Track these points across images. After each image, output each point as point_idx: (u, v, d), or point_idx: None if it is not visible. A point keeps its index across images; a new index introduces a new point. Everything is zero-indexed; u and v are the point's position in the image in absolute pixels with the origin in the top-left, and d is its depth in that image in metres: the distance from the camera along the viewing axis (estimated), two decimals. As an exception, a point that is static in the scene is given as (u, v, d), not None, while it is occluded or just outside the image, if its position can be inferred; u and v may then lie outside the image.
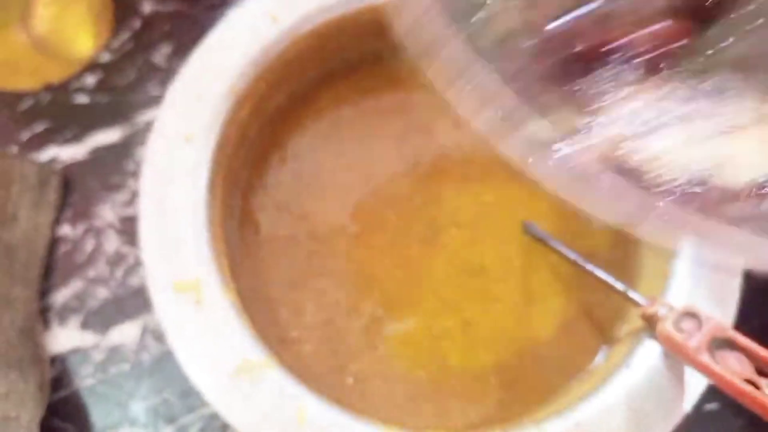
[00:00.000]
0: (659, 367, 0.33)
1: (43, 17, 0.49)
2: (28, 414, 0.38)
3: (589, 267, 0.38)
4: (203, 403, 0.41)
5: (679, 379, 0.33)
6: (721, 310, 0.35)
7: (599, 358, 0.38)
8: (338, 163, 0.42)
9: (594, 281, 0.37)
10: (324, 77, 0.43)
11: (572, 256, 0.39)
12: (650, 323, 0.34)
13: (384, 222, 0.41)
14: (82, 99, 0.50)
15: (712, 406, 0.42)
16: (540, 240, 0.40)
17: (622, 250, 0.40)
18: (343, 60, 0.43)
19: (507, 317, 0.39)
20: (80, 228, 0.45)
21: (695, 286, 0.35)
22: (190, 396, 0.41)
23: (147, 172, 0.34)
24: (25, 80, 0.50)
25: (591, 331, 0.39)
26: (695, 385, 0.33)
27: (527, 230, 0.41)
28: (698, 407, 0.33)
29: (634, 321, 0.36)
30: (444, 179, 0.42)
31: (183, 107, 0.36)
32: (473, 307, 0.40)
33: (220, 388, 0.31)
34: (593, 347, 0.38)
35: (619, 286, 0.36)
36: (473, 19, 0.28)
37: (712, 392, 0.31)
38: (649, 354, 0.34)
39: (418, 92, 0.43)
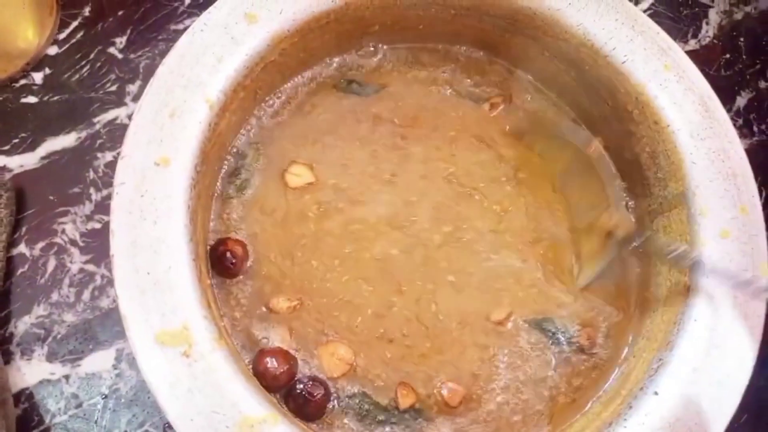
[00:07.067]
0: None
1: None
2: (-7, 460, 0.34)
3: None
4: (190, 438, 0.38)
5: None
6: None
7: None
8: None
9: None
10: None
11: None
12: None
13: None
14: (29, 99, 0.44)
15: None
16: None
17: (643, 268, 0.39)
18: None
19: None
20: (39, 246, 0.41)
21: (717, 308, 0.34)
22: (173, 428, 0.38)
23: (117, 204, 0.30)
24: (-39, 78, 0.44)
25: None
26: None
27: None
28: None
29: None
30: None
31: (154, 128, 0.31)
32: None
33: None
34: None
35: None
36: None
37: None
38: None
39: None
